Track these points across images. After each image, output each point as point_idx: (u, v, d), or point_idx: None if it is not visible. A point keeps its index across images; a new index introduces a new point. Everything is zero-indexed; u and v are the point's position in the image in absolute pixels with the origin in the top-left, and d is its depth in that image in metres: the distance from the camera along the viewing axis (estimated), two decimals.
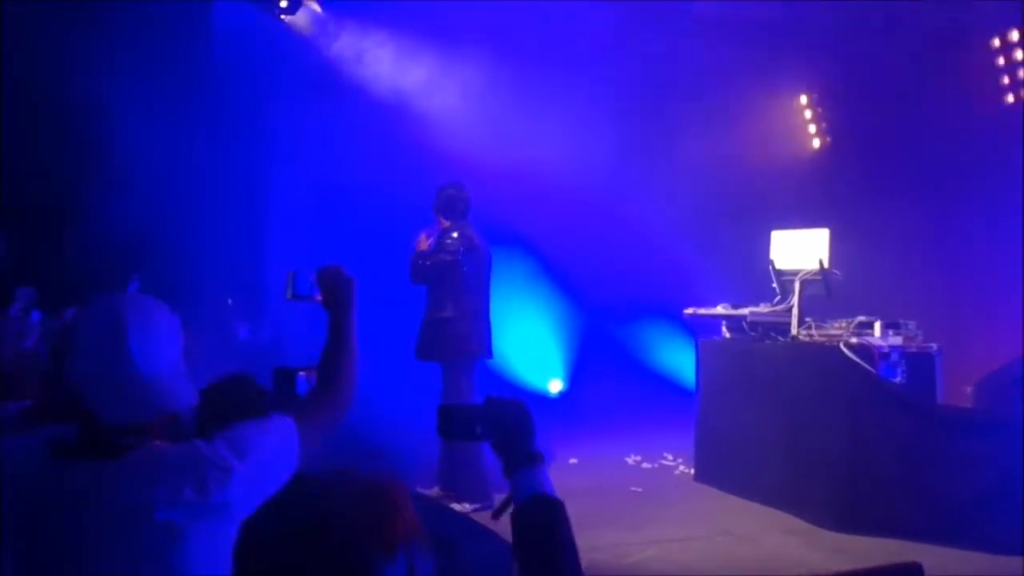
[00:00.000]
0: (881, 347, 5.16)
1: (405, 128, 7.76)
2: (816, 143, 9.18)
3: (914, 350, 5.25)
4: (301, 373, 2.27)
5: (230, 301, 6.68)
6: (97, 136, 6.54)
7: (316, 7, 7.56)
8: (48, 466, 1.61)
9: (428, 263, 5.63)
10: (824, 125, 9.10)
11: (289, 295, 2.15)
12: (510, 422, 1.68)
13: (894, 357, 5.16)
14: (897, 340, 5.24)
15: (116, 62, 6.54)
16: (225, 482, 1.62)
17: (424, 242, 5.69)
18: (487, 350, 5.80)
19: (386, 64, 7.76)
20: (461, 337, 5.64)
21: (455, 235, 5.64)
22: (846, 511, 5.04)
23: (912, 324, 5.35)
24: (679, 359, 8.47)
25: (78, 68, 6.44)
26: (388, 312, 6.69)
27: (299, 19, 7.41)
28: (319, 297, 2.12)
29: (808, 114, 9.21)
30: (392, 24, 7.70)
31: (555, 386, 9.56)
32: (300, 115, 7.76)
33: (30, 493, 1.58)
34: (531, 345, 9.26)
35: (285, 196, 8.14)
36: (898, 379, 5.17)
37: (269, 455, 1.71)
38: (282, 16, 7.25)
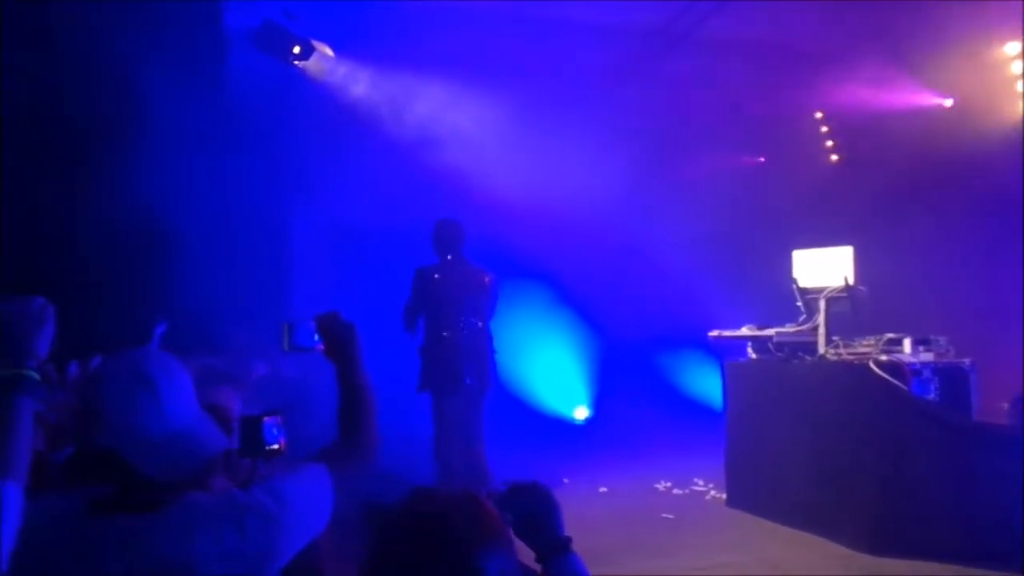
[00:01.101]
0: (912, 364, 5.07)
1: (419, 165, 7.80)
2: (833, 158, 9.13)
3: (947, 365, 5.15)
4: (267, 419, 2.16)
5: (249, 340, 6.70)
6: (112, 189, 6.62)
7: (328, 52, 7.65)
8: (88, 522, 1.59)
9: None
10: (840, 140, 9.05)
11: (286, 347, 2.07)
12: (537, 508, 1.72)
13: (926, 374, 5.07)
14: (928, 356, 5.15)
15: (131, 110, 6.63)
16: (266, 530, 1.62)
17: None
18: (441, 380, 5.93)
19: (398, 103, 7.83)
20: (427, 366, 5.91)
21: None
22: (883, 534, 4.92)
23: (943, 339, 5.26)
24: (705, 382, 8.41)
25: (86, 114, 6.55)
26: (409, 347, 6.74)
27: (312, 64, 7.51)
28: (320, 347, 2.06)
29: (824, 129, 9.17)
30: (401, 63, 7.77)
31: (581, 413, 9.50)
32: (316, 157, 7.83)
33: (70, 549, 1.56)
34: (556, 373, 9.22)
35: (304, 237, 8.20)
36: (931, 396, 5.07)
37: (306, 502, 1.72)
38: (295, 62, 7.34)
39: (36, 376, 1.47)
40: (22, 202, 6.38)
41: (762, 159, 8.87)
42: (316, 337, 2.06)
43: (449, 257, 5.91)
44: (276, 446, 2.12)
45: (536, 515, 1.71)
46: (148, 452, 1.62)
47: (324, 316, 2.08)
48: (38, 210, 6.43)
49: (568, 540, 1.74)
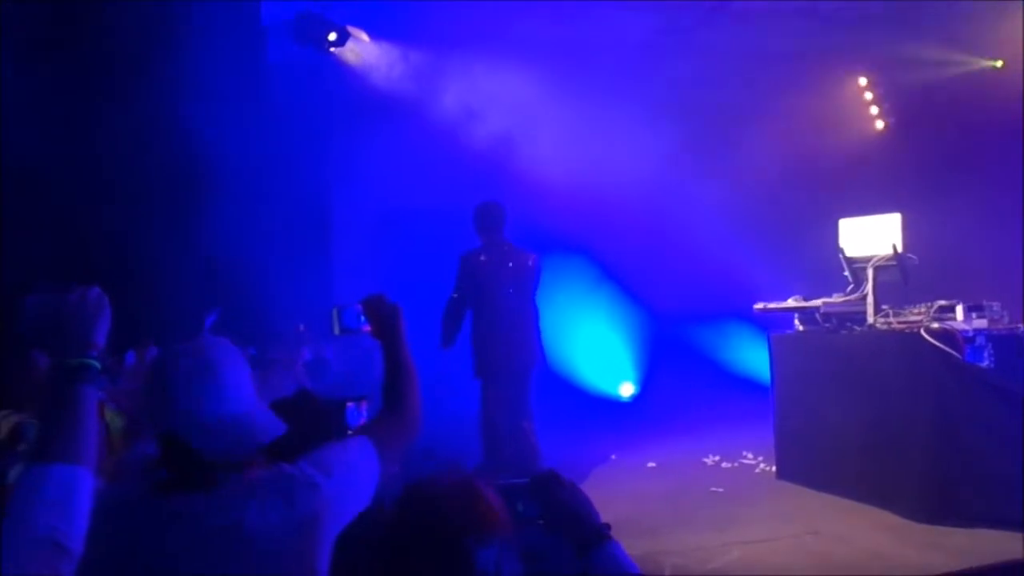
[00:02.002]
0: (965, 331, 4.97)
1: (458, 146, 7.82)
2: (879, 125, 8.94)
3: (1001, 332, 5.05)
4: (350, 403, 2.31)
5: (302, 327, 6.82)
6: (161, 180, 6.76)
7: (364, 37, 7.68)
8: (149, 503, 1.68)
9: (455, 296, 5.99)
10: (886, 106, 8.86)
11: (337, 330, 2.17)
12: (568, 502, 1.68)
13: (980, 341, 4.97)
14: (982, 323, 5.04)
15: (172, 101, 6.75)
16: (313, 497, 1.68)
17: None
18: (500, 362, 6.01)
19: (435, 86, 7.84)
20: (480, 350, 5.98)
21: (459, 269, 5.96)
22: (938, 503, 4.86)
23: (996, 305, 5.14)
24: (751, 355, 8.34)
25: (135, 110, 6.68)
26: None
27: (348, 51, 7.55)
28: (367, 328, 2.15)
29: (868, 96, 8.98)
30: (438, 44, 7.77)
31: (627, 390, 9.50)
32: (355, 142, 7.89)
33: (133, 529, 1.65)
34: (601, 350, 9.23)
35: (347, 222, 8.29)
36: (985, 363, 4.97)
37: (352, 472, 1.78)
38: (331, 49, 7.39)
39: (97, 365, 1.50)
40: (76, 195, 6.57)
41: (805, 126, 8.70)
42: (362, 319, 2.15)
43: (493, 238, 5.94)
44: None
45: (564, 507, 1.67)
46: (211, 435, 1.69)
47: (370, 298, 2.17)
48: (93, 203, 6.61)
49: (606, 528, 1.67)
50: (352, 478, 1.76)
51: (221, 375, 1.73)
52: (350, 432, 2.24)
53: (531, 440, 5.81)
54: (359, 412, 2.31)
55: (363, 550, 1.51)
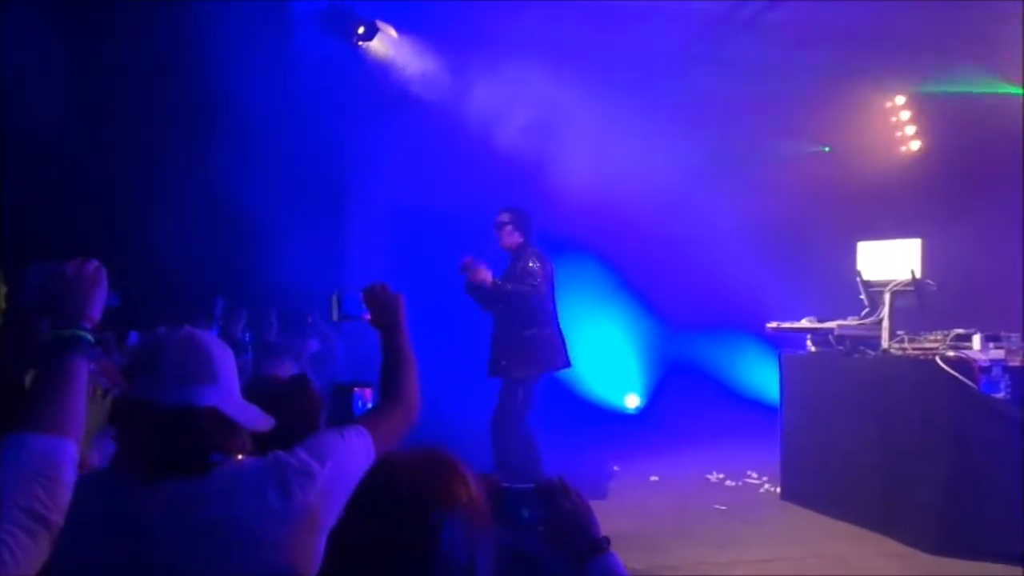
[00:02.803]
0: (981, 361, 4.91)
1: (479, 146, 7.80)
2: (913, 146, 8.86)
3: (1018, 364, 4.98)
4: (356, 389, 2.31)
5: (310, 319, 6.81)
6: (178, 165, 6.78)
7: (392, 32, 7.68)
8: (141, 489, 1.62)
9: (509, 289, 5.70)
10: (916, 128, 8.79)
11: (335, 316, 2.18)
12: (571, 512, 1.66)
13: (996, 371, 4.91)
14: (999, 353, 4.98)
15: (196, 90, 6.78)
16: (308, 485, 1.65)
17: (482, 271, 5.70)
18: (563, 361, 5.97)
19: (459, 84, 7.83)
20: (545, 351, 5.80)
21: (536, 264, 5.75)
22: (945, 533, 4.80)
23: (1015, 336, 5.08)
24: (761, 374, 8.28)
25: (157, 96, 6.72)
26: (459, 325, 6.78)
27: (376, 45, 7.55)
28: (367, 316, 2.15)
29: (899, 117, 8.91)
30: (464, 45, 7.76)
31: (632, 401, 9.45)
32: (377, 135, 7.88)
33: (125, 515, 1.60)
34: (608, 360, 9.18)
35: (362, 217, 8.29)
36: (1001, 394, 4.91)
37: (347, 461, 1.74)
38: (359, 43, 7.39)
39: (90, 337, 1.49)
40: (94, 179, 6.59)
41: (828, 148, 8.65)
42: (363, 306, 2.15)
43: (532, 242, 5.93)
44: None
45: (566, 515, 1.65)
46: (201, 418, 1.66)
47: (372, 287, 2.16)
48: (111, 187, 6.64)
49: (606, 541, 1.66)
50: (347, 467, 1.72)
51: (214, 359, 1.71)
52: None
53: (519, 447, 5.71)
54: (365, 399, 2.31)
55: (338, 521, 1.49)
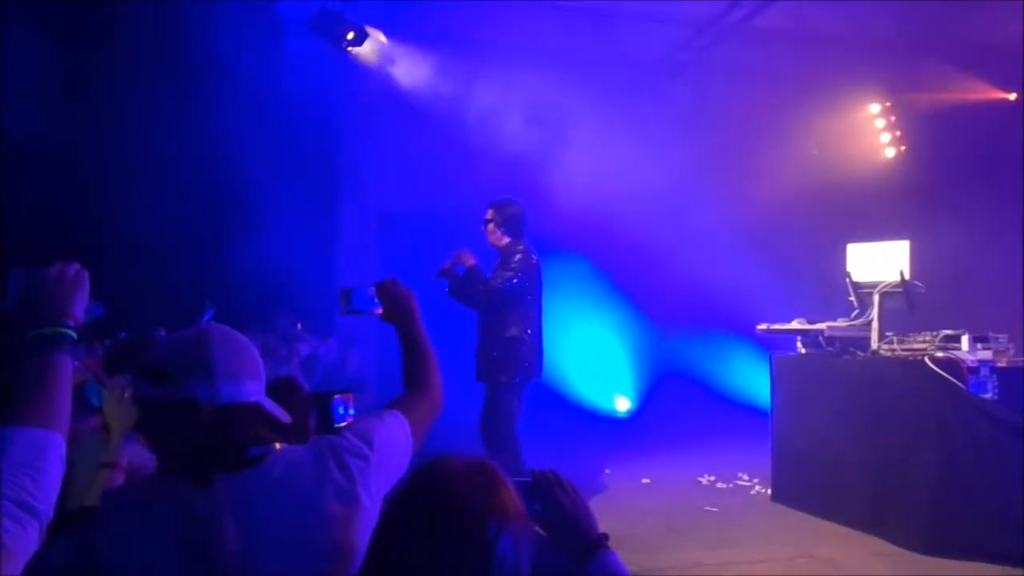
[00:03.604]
0: (969, 361, 4.94)
1: (470, 150, 7.80)
2: (890, 152, 8.93)
3: (1005, 365, 5.01)
4: (336, 396, 2.27)
5: (299, 325, 6.80)
6: (168, 169, 6.77)
7: (382, 38, 7.67)
8: (194, 493, 1.58)
9: (497, 285, 5.52)
10: (899, 133, 8.86)
11: (344, 310, 2.17)
12: (568, 507, 1.64)
13: (984, 372, 4.93)
14: (987, 354, 5.00)
15: (184, 95, 6.77)
16: (364, 469, 1.67)
17: (468, 259, 5.59)
18: (540, 368, 5.75)
19: (449, 87, 7.84)
20: (528, 355, 5.58)
21: (518, 257, 5.56)
22: (935, 533, 4.82)
23: (1003, 337, 5.11)
24: (751, 376, 8.30)
25: (146, 100, 6.69)
26: (452, 332, 6.72)
27: (365, 50, 7.54)
28: (379, 311, 2.15)
29: (881, 123, 8.98)
30: (455, 48, 7.78)
31: (623, 404, 9.45)
32: (368, 140, 7.88)
33: (186, 524, 1.56)
34: (598, 363, 9.18)
35: (352, 222, 8.27)
36: (989, 395, 4.93)
37: (391, 445, 1.77)
38: (349, 48, 7.38)
39: (73, 335, 1.53)
40: (83, 185, 6.57)
41: (816, 150, 8.69)
42: (375, 300, 2.15)
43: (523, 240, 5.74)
44: (344, 424, 2.20)
45: (564, 511, 1.63)
46: (245, 415, 1.65)
47: (385, 281, 2.17)
48: (100, 193, 6.61)
49: (604, 537, 1.65)
50: (391, 452, 1.75)
51: (253, 354, 1.72)
52: (344, 424, 2.21)
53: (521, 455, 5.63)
54: (346, 405, 2.28)
55: (379, 530, 1.45)
